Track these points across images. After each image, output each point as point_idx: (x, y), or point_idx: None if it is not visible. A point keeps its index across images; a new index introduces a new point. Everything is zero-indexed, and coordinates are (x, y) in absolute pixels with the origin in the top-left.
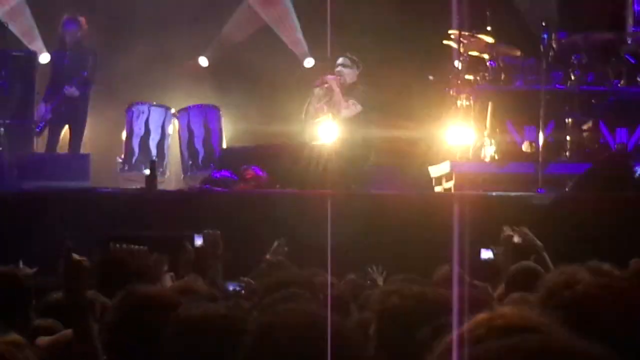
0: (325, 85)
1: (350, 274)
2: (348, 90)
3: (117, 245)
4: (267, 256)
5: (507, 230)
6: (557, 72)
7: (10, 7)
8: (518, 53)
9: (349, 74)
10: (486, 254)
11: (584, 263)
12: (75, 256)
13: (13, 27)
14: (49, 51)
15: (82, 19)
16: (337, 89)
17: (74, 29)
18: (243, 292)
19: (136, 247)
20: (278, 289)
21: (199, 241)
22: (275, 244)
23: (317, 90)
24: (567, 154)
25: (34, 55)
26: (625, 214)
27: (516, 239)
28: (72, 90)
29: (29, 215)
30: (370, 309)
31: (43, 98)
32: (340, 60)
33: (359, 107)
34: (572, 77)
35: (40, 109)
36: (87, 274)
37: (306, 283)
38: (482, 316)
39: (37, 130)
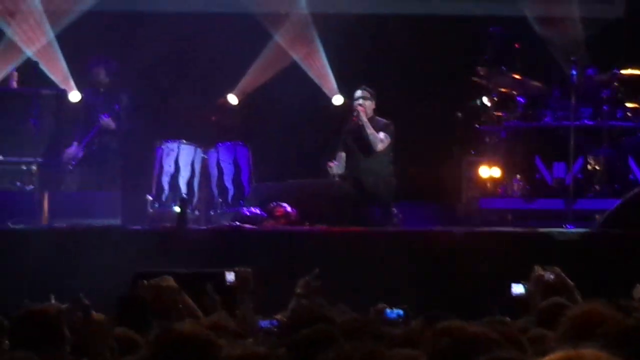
0: (355, 119)
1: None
2: (374, 124)
3: (146, 282)
4: (298, 290)
5: (538, 270)
6: (586, 108)
7: (41, 46)
8: (546, 89)
9: (369, 106)
10: (517, 288)
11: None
12: (94, 314)
13: (43, 66)
14: (79, 90)
15: (112, 59)
16: (367, 122)
17: (105, 68)
18: (275, 329)
19: (165, 284)
20: (310, 326)
21: (230, 278)
22: (305, 279)
23: (348, 126)
24: (597, 189)
25: (64, 94)
26: None
27: (547, 278)
28: (108, 121)
29: (60, 253)
30: (421, 348)
31: (74, 136)
32: (359, 92)
33: (388, 141)
34: (601, 113)
35: (72, 148)
36: (105, 332)
37: (334, 321)
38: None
39: (70, 168)
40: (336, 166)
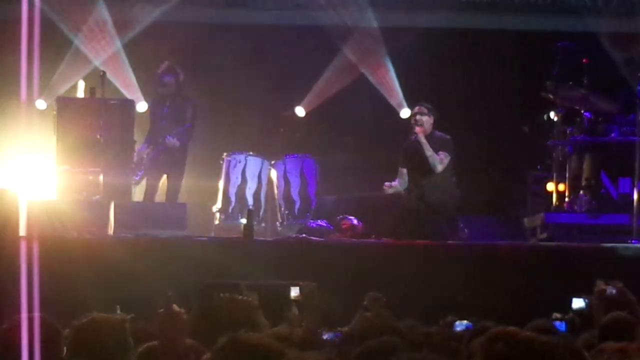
0: (414, 137)
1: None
2: (433, 140)
3: (222, 295)
4: (364, 303)
5: (600, 284)
6: None
7: (108, 56)
8: (613, 105)
9: (427, 122)
10: (578, 302)
11: None
12: (175, 307)
13: (111, 76)
14: (146, 100)
15: (179, 70)
16: (426, 144)
17: (173, 78)
18: (338, 341)
19: (241, 297)
20: (375, 337)
21: (294, 293)
22: (373, 294)
23: (408, 142)
24: None
25: (131, 104)
26: None
27: (610, 292)
28: (173, 141)
29: (126, 262)
30: (474, 355)
31: (142, 147)
32: (416, 109)
33: (447, 160)
34: None
35: (139, 158)
36: (184, 324)
37: (401, 332)
38: None
39: (136, 179)
40: (394, 186)
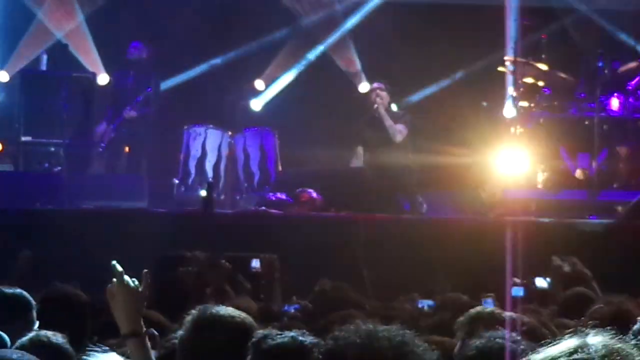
0: (374, 108)
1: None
2: (390, 115)
3: (185, 269)
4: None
5: (556, 260)
6: (611, 99)
7: (70, 28)
8: (572, 80)
9: (386, 98)
10: (541, 282)
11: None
12: (127, 278)
13: (73, 49)
14: (108, 72)
15: (146, 43)
16: (385, 114)
17: (140, 52)
18: (298, 314)
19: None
20: (334, 311)
21: (255, 264)
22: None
23: (366, 118)
24: (620, 181)
25: (93, 77)
26: None
27: (565, 269)
28: (131, 113)
29: (86, 234)
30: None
31: (104, 119)
32: (376, 84)
33: (406, 131)
34: (627, 105)
35: (101, 130)
36: (136, 297)
37: (360, 305)
38: None
39: (99, 150)
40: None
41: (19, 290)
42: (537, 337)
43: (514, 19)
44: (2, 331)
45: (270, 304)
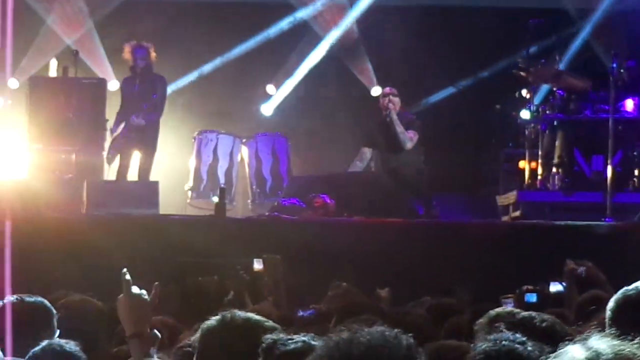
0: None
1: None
2: (401, 120)
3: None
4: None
5: (570, 264)
6: (625, 100)
7: (80, 35)
8: (586, 82)
9: (397, 103)
10: (555, 287)
11: None
12: (135, 289)
13: (83, 55)
14: (118, 79)
15: (150, 46)
16: (397, 120)
17: (143, 55)
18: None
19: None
20: (350, 315)
21: (257, 265)
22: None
23: (376, 122)
24: (635, 183)
25: (103, 83)
26: None
27: (579, 272)
28: (138, 120)
29: (99, 242)
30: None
31: (114, 125)
32: (387, 89)
33: (416, 138)
34: None
35: (112, 136)
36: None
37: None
38: None
39: (109, 157)
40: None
41: (39, 299)
42: (558, 335)
43: (527, 21)
44: (29, 343)
45: (285, 309)
